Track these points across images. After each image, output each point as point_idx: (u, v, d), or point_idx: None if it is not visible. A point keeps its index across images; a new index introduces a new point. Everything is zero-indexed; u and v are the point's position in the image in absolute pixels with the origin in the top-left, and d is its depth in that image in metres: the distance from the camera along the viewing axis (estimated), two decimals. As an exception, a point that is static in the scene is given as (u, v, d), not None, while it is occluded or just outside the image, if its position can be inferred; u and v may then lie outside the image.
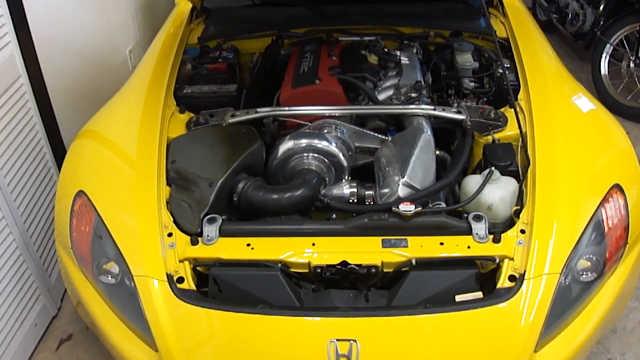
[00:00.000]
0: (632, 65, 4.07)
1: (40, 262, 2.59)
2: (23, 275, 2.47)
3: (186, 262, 1.83)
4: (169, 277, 1.78)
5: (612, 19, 4.26)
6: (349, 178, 2.18)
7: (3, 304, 2.35)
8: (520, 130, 2.07)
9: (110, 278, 1.86)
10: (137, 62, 2.94)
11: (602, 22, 4.33)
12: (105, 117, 2.40)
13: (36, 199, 2.58)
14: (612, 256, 1.85)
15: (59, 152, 2.73)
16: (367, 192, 2.10)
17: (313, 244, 1.84)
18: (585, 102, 2.34)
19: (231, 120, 2.28)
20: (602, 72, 4.26)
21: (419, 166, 2.05)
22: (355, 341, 1.62)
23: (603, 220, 1.85)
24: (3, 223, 2.33)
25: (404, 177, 1.99)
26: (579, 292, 1.78)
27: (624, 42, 4.18)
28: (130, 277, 1.80)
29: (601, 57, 4.26)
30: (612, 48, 4.21)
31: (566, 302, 1.75)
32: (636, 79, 4.10)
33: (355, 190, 2.11)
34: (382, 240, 1.84)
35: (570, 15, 4.75)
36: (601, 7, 4.35)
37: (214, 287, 1.80)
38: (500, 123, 2.22)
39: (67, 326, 2.71)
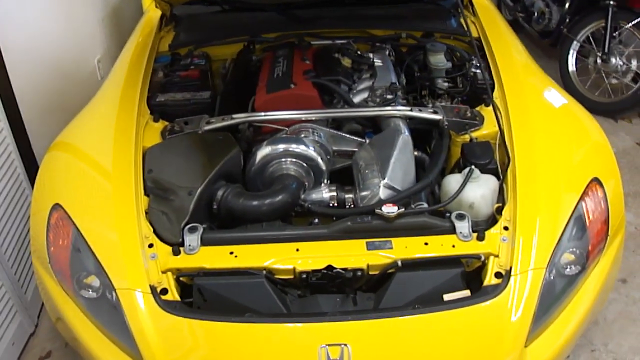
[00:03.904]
0: (599, 61, 4.11)
1: (15, 278, 2.52)
2: (-2, 293, 2.41)
3: (169, 273, 1.80)
4: (153, 289, 1.74)
5: (577, 16, 4.33)
6: (328, 182, 2.17)
7: (-22, 323, 2.29)
8: (500, 128, 2.08)
9: (91, 292, 1.82)
10: (106, 71, 2.89)
11: (568, 20, 4.40)
12: (78, 128, 2.35)
13: (9, 214, 2.51)
14: (594, 249, 1.87)
15: (31, 164, 2.67)
16: (346, 196, 2.09)
17: (297, 250, 1.82)
18: (557, 97, 2.38)
19: (207, 128, 2.25)
20: (570, 68, 4.31)
21: (399, 167, 2.05)
22: (346, 345, 1.61)
23: (584, 214, 1.88)
24: (-25, 240, 2.27)
25: (384, 179, 1.98)
26: (565, 286, 1.80)
27: (590, 38, 4.23)
28: (112, 290, 1.76)
29: (568, 54, 4.31)
30: (579, 45, 4.27)
31: (552, 296, 1.77)
32: (603, 75, 4.15)
33: (334, 194, 2.10)
34: (367, 242, 1.83)
35: (536, 14, 4.81)
36: (567, 5, 4.41)
37: (198, 297, 1.77)
38: (477, 122, 2.23)
39: (45, 343, 2.64)
